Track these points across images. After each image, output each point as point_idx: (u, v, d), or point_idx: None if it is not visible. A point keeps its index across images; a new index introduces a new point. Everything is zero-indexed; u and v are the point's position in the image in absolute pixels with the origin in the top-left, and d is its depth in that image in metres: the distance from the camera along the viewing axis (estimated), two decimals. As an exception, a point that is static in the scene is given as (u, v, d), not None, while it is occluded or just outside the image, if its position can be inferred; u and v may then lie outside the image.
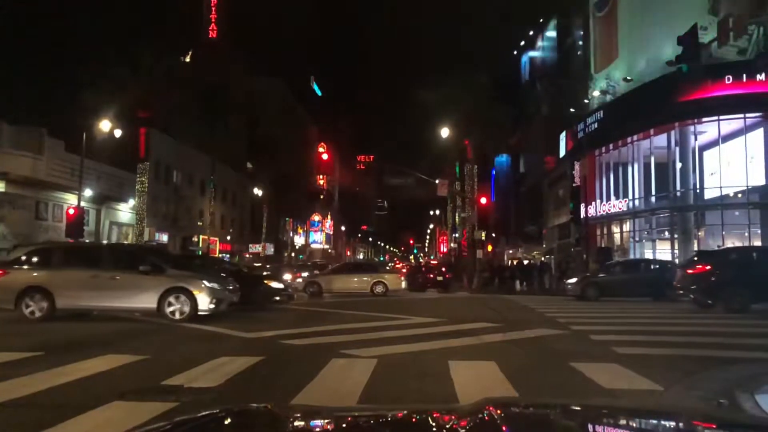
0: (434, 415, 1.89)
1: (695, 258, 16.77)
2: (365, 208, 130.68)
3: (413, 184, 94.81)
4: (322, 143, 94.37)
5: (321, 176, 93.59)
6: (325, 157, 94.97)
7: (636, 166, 30.80)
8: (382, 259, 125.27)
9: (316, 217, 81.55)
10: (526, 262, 37.20)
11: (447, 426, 1.75)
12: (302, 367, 6.43)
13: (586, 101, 35.54)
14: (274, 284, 16.29)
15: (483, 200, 39.89)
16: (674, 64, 17.02)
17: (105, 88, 31.28)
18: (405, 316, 12.51)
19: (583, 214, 29.45)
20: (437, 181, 46.31)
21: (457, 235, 48.88)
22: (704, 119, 26.65)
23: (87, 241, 25.10)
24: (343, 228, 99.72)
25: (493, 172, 62.00)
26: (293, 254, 63.51)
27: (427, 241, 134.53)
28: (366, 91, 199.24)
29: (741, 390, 4.77)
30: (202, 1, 73.03)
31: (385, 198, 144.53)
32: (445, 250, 68.44)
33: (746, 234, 25.58)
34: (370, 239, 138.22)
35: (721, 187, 26.46)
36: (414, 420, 1.91)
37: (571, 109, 36.04)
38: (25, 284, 11.58)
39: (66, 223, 24.84)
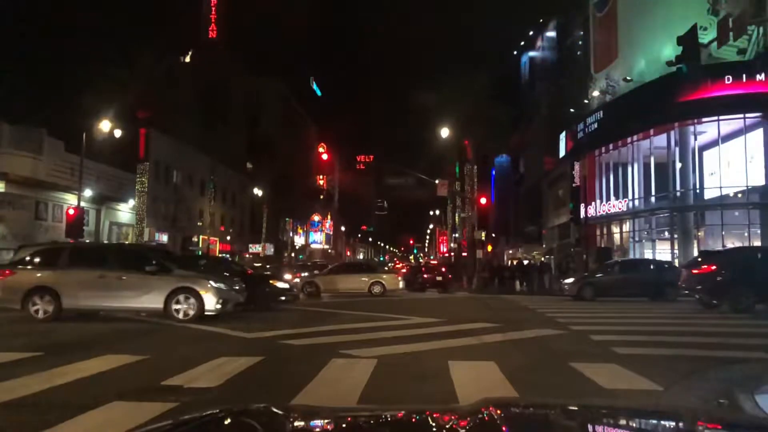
0: (434, 415, 1.89)
1: (698, 258, 16.77)
2: (365, 208, 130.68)
3: (413, 184, 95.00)
4: (322, 143, 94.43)
5: (321, 176, 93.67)
6: (325, 157, 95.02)
7: (636, 166, 30.81)
8: (382, 259, 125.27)
9: (316, 217, 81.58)
10: (525, 262, 37.17)
11: (447, 426, 1.75)
12: (302, 367, 6.43)
13: (586, 101, 35.56)
14: (280, 284, 16.22)
15: (483, 200, 39.90)
16: (674, 64, 17.02)
17: (105, 88, 31.35)
18: (405, 317, 12.51)
19: (582, 215, 29.47)
20: (437, 182, 46.35)
21: (456, 235, 48.90)
22: (704, 119, 26.67)
23: (88, 241, 25.11)
24: (342, 228, 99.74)
25: (493, 173, 62.06)
26: (293, 254, 63.51)
27: (427, 241, 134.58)
28: (366, 92, 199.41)
29: (741, 390, 4.77)
30: (202, 1, 73.04)
31: (384, 198, 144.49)
32: (445, 250, 68.44)
33: (746, 234, 25.60)
34: (370, 239, 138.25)
35: (720, 187, 26.48)
36: (414, 420, 1.91)
37: (571, 110, 36.08)
38: (32, 284, 11.57)
39: (66, 223, 24.84)
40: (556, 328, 10.56)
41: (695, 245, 26.97)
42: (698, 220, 27.55)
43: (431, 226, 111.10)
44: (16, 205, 27.14)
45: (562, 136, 37.95)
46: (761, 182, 24.94)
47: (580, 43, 40.58)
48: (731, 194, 26.34)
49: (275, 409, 1.87)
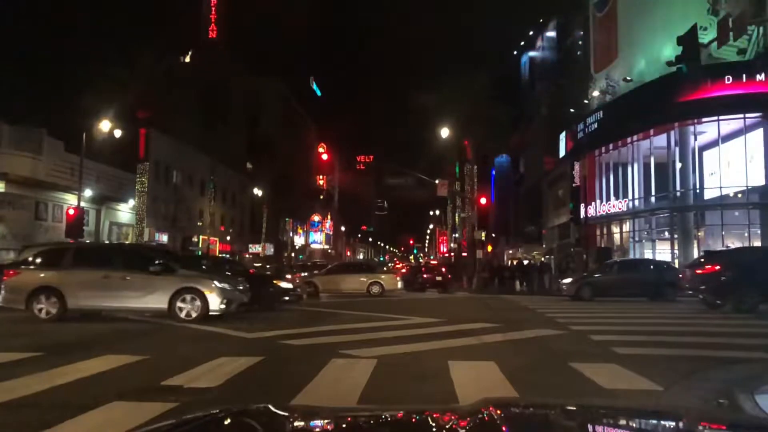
0: (434, 416, 1.89)
1: (702, 258, 16.76)
2: (365, 208, 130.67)
3: (413, 184, 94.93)
4: (322, 143, 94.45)
5: (321, 176, 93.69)
6: (324, 157, 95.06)
7: (636, 166, 30.82)
8: (382, 259, 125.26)
9: (316, 218, 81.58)
10: (525, 262, 37.18)
11: (447, 426, 1.75)
12: (302, 367, 6.43)
13: (585, 101, 35.56)
14: (283, 284, 16.16)
15: (483, 200, 39.89)
16: (674, 64, 17.02)
17: (105, 88, 31.32)
18: (405, 317, 12.51)
19: (582, 215, 29.47)
20: (437, 182, 46.35)
21: (456, 235, 48.88)
22: (704, 119, 26.67)
23: (88, 241, 25.11)
24: (342, 228, 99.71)
25: (493, 173, 62.05)
26: (293, 254, 63.50)
27: (427, 241, 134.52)
28: (366, 91, 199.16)
29: (741, 390, 4.77)
30: (202, 1, 73.06)
31: (384, 198, 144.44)
32: (445, 250, 68.42)
33: (746, 234, 25.61)
34: (370, 239, 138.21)
35: (720, 188, 26.48)
36: (413, 420, 1.91)
37: (571, 110, 36.07)
38: (36, 284, 11.57)
39: (66, 223, 24.84)
40: (556, 328, 10.56)
41: (695, 245, 26.98)
42: (698, 220, 27.56)
43: (431, 226, 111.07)
44: (16, 205, 27.15)
45: (562, 136, 37.96)
46: (761, 182, 24.94)
47: (580, 43, 40.58)
48: (731, 194, 26.34)
49: (275, 409, 1.87)
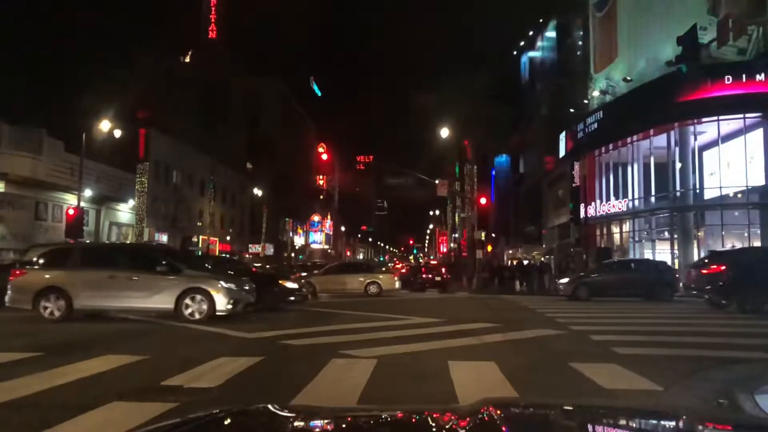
0: (434, 416, 1.89)
1: (706, 259, 16.73)
2: (365, 209, 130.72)
3: (413, 184, 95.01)
4: (322, 143, 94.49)
5: (320, 176, 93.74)
6: (324, 157, 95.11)
7: (636, 166, 30.81)
8: (382, 259, 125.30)
9: (316, 218, 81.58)
10: (525, 262, 37.17)
11: (446, 426, 1.75)
12: (302, 367, 6.43)
13: (585, 101, 35.55)
14: (289, 284, 16.12)
15: (483, 200, 39.88)
16: (674, 64, 17.07)
17: (105, 88, 31.34)
18: (404, 317, 12.51)
19: (582, 215, 29.44)
20: (437, 182, 46.35)
21: (456, 235, 48.86)
22: (704, 119, 26.65)
23: (88, 241, 25.11)
24: (342, 228, 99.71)
25: (493, 173, 62.04)
26: (293, 254, 63.50)
27: (427, 241, 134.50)
28: (366, 91, 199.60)
29: (741, 390, 4.77)
30: (202, 1, 73.06)
31: (384, 198, 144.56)
32: (445, 250, 68.43)
33: (746, 234, 25.60)
34: (370, 239, 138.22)
35: (720, 188, 26.47)
36: (413, 420, 1.91)
37: (571, 110, 36.05)
38: (43, 285, 11.56)
39: (66, 223, 24.84)
40: (556, 328, 10.56)
41: (695, 245, 26.98)
42: (698, 220, 27.55)
43: (431, 226, 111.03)
44: (16, 205, 27.15)
45: (562, 136, 37.94)
46: (761, 182, 24.93)
47: (580, 43, 40.55)
48: (731, 194, 26.32)
49: (275, 409, 1.87)
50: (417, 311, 14.16)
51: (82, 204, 25.58)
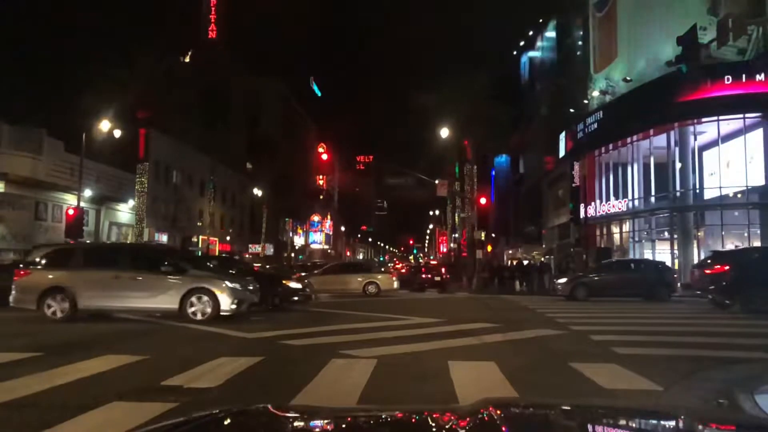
0: (434, 416, 1.89)
1: (709, 259, 16.70)
2: (365, 208, 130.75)
3: (413, 184, 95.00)
4: (322, 143, 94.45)
5: (320, 176, 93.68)
6: (324, 157, 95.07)
7: (635, 166, 30.82)
8: (382, 259, 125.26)
9: (316, 218, 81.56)
10: (525, 262, 37.17)
11: (446, 426, 1.75)
12: (302, 367, 6.43)
13: (585, 101, 35.55)
14: (293, 284, 16.08)
15: (482, 200, 39.86)
16: (674, 65, 17.05)
17: (105, 88, 31.34)
18: (404, 317, 12.51)
19: (582, 215, 29.44)
20: (437, 182, 46.31)
21: (456, 235, 48.84)
22: (704, 119, 26.67)
23: (88, 241, 25.10)
24: (342, 228, 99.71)
25: (493, 173, 62.05)
26: (293, 254, 63.50)
27: (427, 241, 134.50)
28: (366, 91, 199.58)
29: (741, 390, 4.77)
30: (202, 1, 73.05)
31: (384, 198, 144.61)
32: (445, 250, 68.42)
33: (746, 234, 25.60)
34: (370, 239, 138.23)
35: (720, 188, 26.47)
36: (413, 420, 1.91)
37: (571, 110, 36.05)
38: (47, 285, 11.54)
39: (65, 223, 24.83)
40: (556, 328, 10.56)
41: (695, 245, 27.00)
42: (698, 220, 27.55)
43: (431, 227, 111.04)
44: (15, 206, 27.14)
45: (562, 136, 37.94)
46: (761, 182, 24.94)
47: (580, 43, 40.55)
48: (731, 194, 26.33)
49: (275, 409, 1.87)
50: (417, 311, 14.16)
51: (82, 204, 25.57)
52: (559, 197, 40.79)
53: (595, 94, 33.77)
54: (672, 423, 1.85)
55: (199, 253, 36.31)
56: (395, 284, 23.31)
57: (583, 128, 33.57)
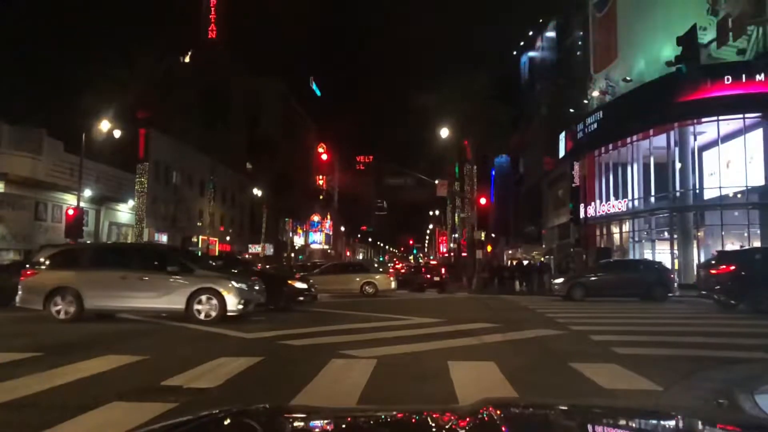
0: (434, 416, 1.89)
1: (713, 260, 16.66)
2: (365, 209, 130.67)
3: (413, 184, 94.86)
4: (322, 143, 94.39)
5: (320, 176, 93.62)
6: (324, 157, 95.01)
7: (635, 166, 30.83)
8: (381, 259, 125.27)
9: (316, 218, 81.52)
10: (525, 262, 37.16)
11: (446, 426, 1.75)
12: (302, 367, 6.43)
13: (585, 102, 35.57)
14: (298, 284, 16.05)
15: (482, 201, 39.82)
16: (674, 65, 17.06)
17: (105, 88, 31.32)
18: (404, 317, 12.51)
19: (582, 215, 29.45)
20: (437, 182, 46.32)
21: (456, 235, 48.82)
22: (703, 119, 26.68)
23: (88, 242, 25.10)
24: (342, 228, 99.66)
25: (493, 173, 62.03)
26: (293, 254, 63.49)
27: (427, 241, 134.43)
28: (366, 92, 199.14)
29: (740, 390, 4.77)
30: (202, 1, 73.04)
31: (384, 198, 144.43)
32: (445, 250, 68.41)
33: (746, 234, 25.60)
34: (370, 239, 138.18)
35: (720, 188, 26.48)
36: (413, 420, 1.91)
37: (571, 110, 36.09)
38: (54, 285, 11.48)
39: (65, 223, 24.83)
40: (555, 328, 10.56)
41: (695, 245, 27.01)
42: (698, 221, 27.56)
43: (431, 227, 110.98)
44: (15, 206, 27.11)
45: (562, 136, 37.96)
46: (761, 182, 24.94)
47: (580, 43, 40.58)
48: (731, 194, 26.34)
49: (275, 410, 1.87)
50: (417, 311, 14.16)
51: (82, 204, 25.56)
52: (558, 197, 40.80)
53: (595, 94, 33.78)
54: (672, 423, 1.85)
55: (199, 254, 36.32)
56: (393, 284, 23.29)
57: (582, 128, 33.58)
